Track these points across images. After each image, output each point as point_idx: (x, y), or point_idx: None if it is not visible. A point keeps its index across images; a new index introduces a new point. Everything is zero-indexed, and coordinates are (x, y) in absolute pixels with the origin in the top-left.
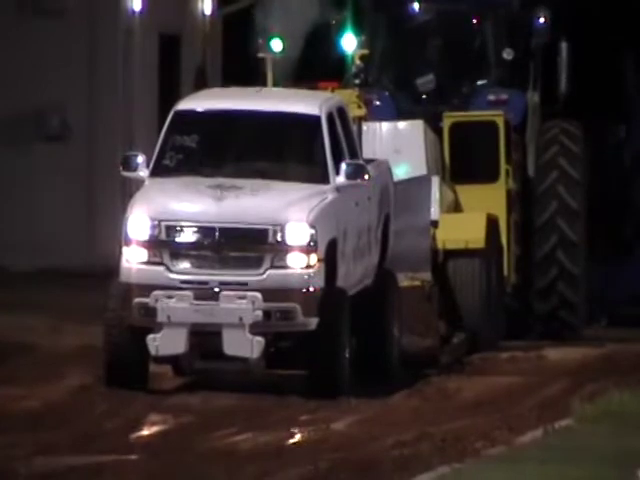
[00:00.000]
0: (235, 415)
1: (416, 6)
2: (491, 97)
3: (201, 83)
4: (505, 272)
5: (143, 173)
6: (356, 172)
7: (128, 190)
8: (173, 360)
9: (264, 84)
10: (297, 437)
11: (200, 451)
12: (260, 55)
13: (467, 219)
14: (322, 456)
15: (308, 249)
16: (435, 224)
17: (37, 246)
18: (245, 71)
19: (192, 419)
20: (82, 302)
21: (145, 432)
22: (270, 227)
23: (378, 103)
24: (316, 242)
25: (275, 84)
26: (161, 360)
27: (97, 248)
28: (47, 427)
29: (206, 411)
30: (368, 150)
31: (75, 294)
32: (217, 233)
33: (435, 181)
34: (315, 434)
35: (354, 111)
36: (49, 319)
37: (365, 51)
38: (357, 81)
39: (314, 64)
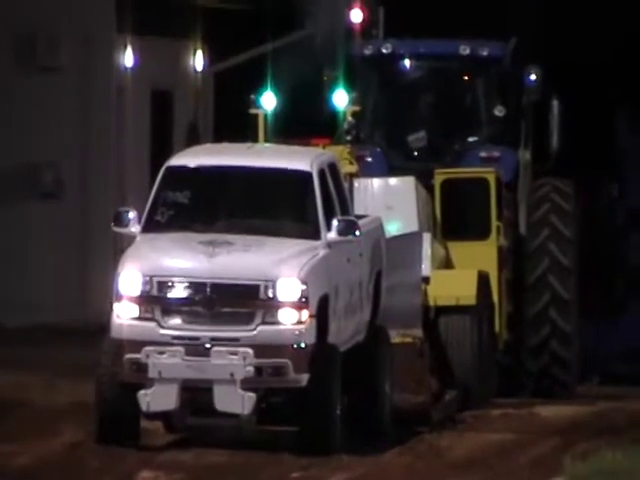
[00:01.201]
0: (226, 471)
1: (408, 63)
2: (483, 154)
3: (193, 139)
4: (497, 329)
5: (135, 229)
6: (347, 228)
7: (119, 246)
8: (164, 416)
9: (256, 140)
10: None
11: None
12: (251, 111)
13: (458, 276)
14: None
15: (299, 305)
16: (426, 280)
17: (30, 303)
18: (237, 127)
19: (184, 476)
20: (75, 358)
21: None
22: (261, 283)
23: (370, 159)
24: (307, 298)
25: (267, 140)
26: (152, 416)
27: (90, 304)
28: None
29: (198, 467)
30: (360, 206)
31: (68, 350)
32: (209, 289)
33: (426, 237)
34: None
35: (346, 167)
36: (42, 376)
37: (357, 107)
38: (349, 137)
39: (306, 120)
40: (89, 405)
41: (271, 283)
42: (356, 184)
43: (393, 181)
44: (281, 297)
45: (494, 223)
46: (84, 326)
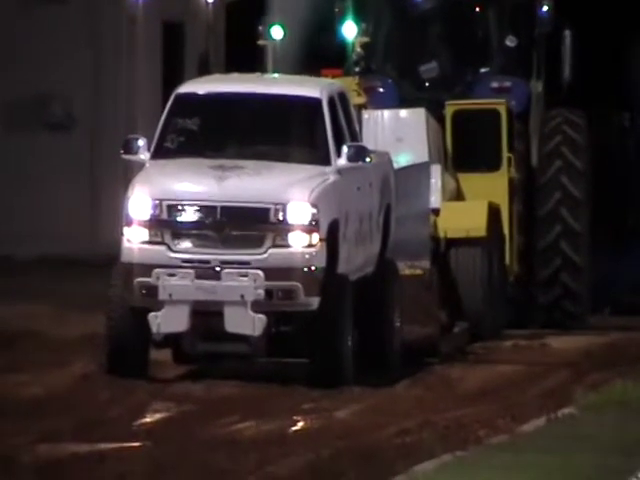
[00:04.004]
0: (238, 403)
1: None
2: (494, 84)
3: (204, 71)
4: (507, 261)
5: (144, 156)
6: (357, 154)
7: (130, 176)
8: (174, 342)
9: (265, 71)
10: (300, 425)
11: (202, 439)
12: (260, 42)
13: (468, 207)
14: (325, 444)
15: (310, 228)
16: (437, 212)
17: (41, 234)
18: (248, 58)
19: (195, 407)
20: (85, 290)
21: (148, 420)
22: (272, 206)
23: (381, 90)
24: (318, 221)
25: (276, 71)
26: (162, 344)
27: (100, 236)
28: (50, 414)
29: (209, 399)
30: (370, 138)
31: (78, 282)
32: (219, 212)
33: (437, 169)
34: (318, 422)
35: (354, 99)
36: (53, 307)
37: (366, 39)
38: (357, 69)
39: (317, 51)
40: (99, 336)
41: (281, 206)
42: (366, 116)
43: (403, 113)
44: (291, 220)
45: (505, 155)
46: (94, 258)
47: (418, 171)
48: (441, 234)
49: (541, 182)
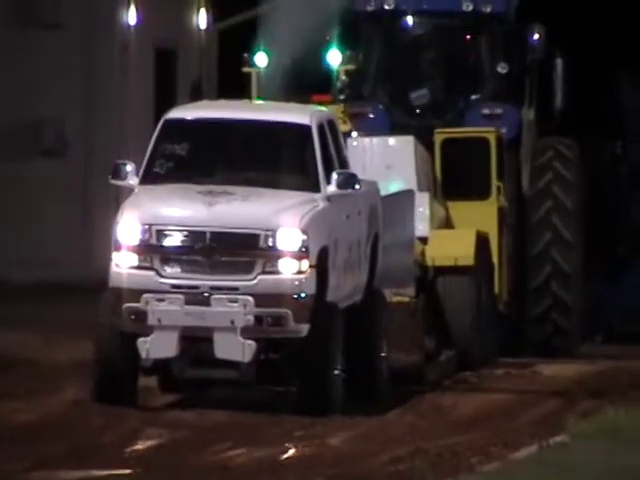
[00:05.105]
0: (229, 430)
1: (410, 20)
2: (485, 111)
3: (197, 97)
4: (496, 290)
5: (133, 181)
6: (347, 181)
7: (121, 201)
8: (162, 369)
9: (250, 98)
10: (291, 452)
11: (194, 466)
12: (245, 70)
13: (457, 235)
14: (317, 471)
15: (299, 255)
16: (425, 240)
17: (33, 260)
18: (241, 85)
19: (186, 434)
20: (77, 316)
21: (140, 447)
22: (262, 232)
23: (372, 116)
24: (307, 248)
25: (261, 99)
26: (151, 370)
27: (93, 262)
28: (43, 441)
29: (200, 426)
30: (358, 166)
31: (71, 308)
32: (208, 237)
33: (425, 197)
34: (309, 450)
35: (340, 126)
36: (46, 332)
37: (351, 66)
38: (342, 96)
39: (305, 78)
40: (91, 362)
41: (271, 232)
42: (355, 143)
43: (392, 140)
44: (281, 246)
45: (494, 183)
46: (87, 283)
47: (401, 198)
48: (429, 262)
49: (532, 221)
